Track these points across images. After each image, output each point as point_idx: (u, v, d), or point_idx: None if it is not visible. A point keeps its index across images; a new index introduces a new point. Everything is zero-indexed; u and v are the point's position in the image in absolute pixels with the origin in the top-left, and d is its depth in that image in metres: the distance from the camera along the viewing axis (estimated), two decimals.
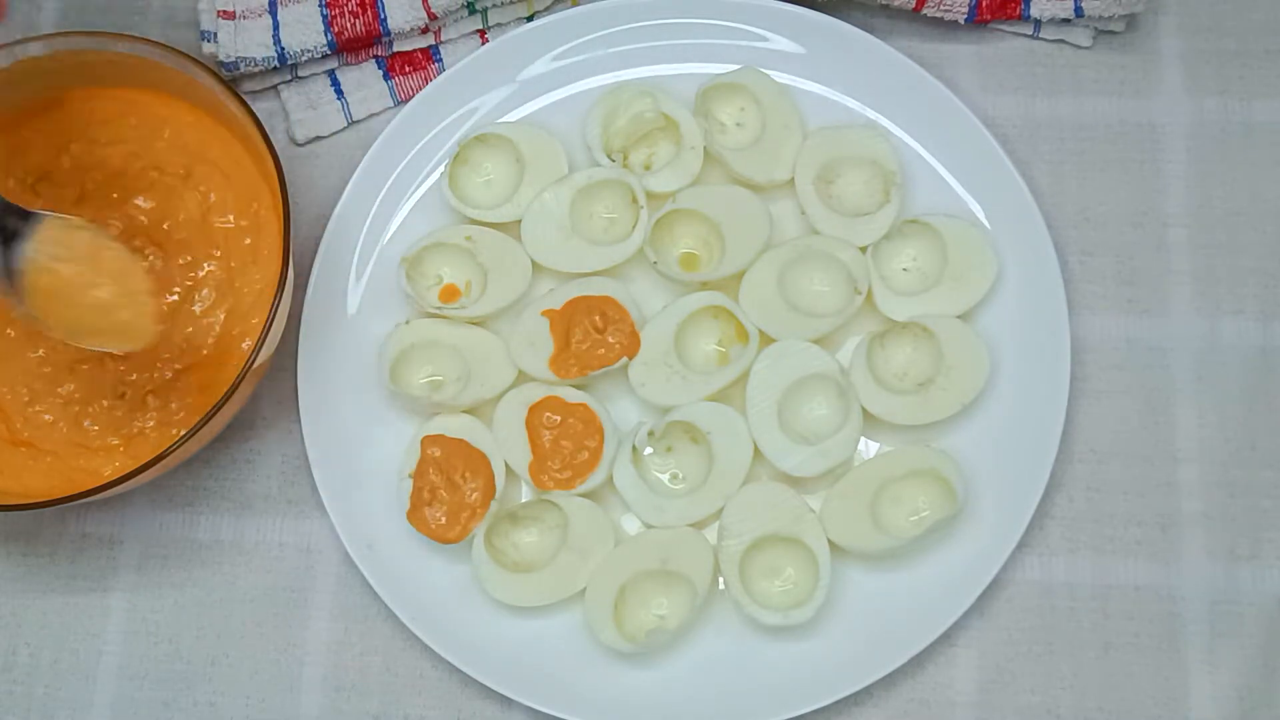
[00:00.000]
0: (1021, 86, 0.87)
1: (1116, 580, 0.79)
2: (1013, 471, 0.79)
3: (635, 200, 0.83)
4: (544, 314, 0.82)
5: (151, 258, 0.81)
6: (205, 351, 0.80)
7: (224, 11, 0.87)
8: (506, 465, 0.80)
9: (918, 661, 0.77)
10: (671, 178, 0.84)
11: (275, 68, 0.87)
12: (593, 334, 0.81)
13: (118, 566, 0.83)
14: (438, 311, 0.82)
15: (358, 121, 0.89)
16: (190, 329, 0.80)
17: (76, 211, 0.81)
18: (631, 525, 0.81)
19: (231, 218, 0.81)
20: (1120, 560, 0.80)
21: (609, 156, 0.84)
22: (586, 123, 0.85)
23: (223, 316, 0.80)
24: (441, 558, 0.80)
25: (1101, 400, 0.82)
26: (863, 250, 0.82)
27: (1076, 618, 0.79)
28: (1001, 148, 0.82)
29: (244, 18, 0.87)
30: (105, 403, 0.79)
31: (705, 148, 0.84)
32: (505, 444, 0.80)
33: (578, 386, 0.81)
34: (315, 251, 0.84)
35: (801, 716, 0.76)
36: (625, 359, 0.80)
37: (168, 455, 0.73)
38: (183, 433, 0.75)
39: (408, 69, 0.89)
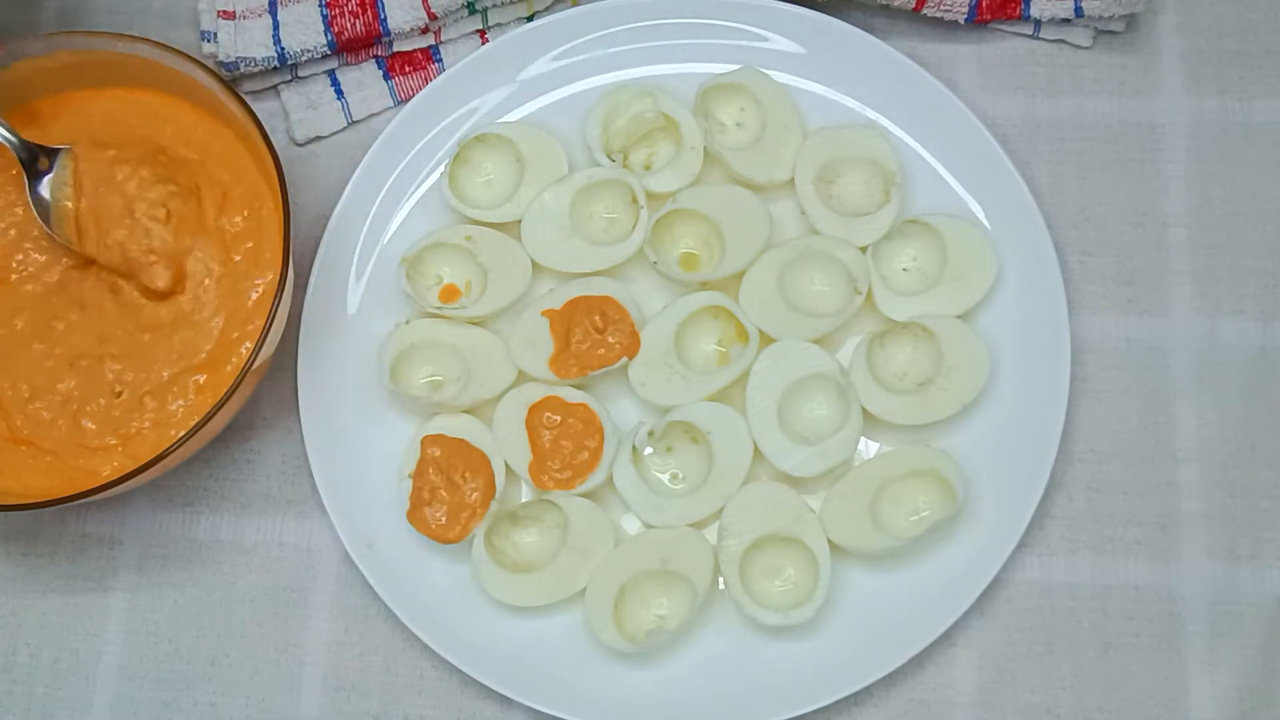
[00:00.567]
0: (1021, 86, 0.87)
1: (1116, 580, 0.79)
2: (1013, 471, 0.79)
3: (635, 200, 0.83)
4: (544, 314, 0.82)
5: (157, 258, 0.81)
6: (205, 351, 0.80)
7: (224, 11, 0.87)
8: (506, 465, 0.80)
9: (918, 661, 0.77)
10: (671, 178, 0.84)
11: (275, 68, 0.87)
12: (593, 334, 0.81)
13: (118, 566, 0.83)
14: (438, 311, 0.82)
15: (358, 121, 0.89)
16: (190, 329, 0.80)
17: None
18: (631, 525, 0.81)
19: (232, 218, 0.81)
20: (1120, 560, 0.80)
21: (609, 156, 0.84)
22: (586, 123, 0.85)
23: (223, 317, 0.80)
24: (441, 558, 0.80)
25: (1101, 400, 0.82)
26: (863, 250, 0.82)
27: (1076, 618, 0.79)
28: (1001, 148, 0.82)
29: (244, 18, 0.87)
30: (103, 401, 0.79)
31: (705, 148, 0.84)
32: (505, 444, 0.80)
33: (578, 386, 0.81)
34: (315, 251, 0.84)
35: (801, 716, 0.76)
36: (625, 359, 0.80)
37: (167, 455, 0.73)
38: (182, 433, 0.75)
39: (408, 69, 0.89)
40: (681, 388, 0.80)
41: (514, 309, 0.83)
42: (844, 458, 0.79)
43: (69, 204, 0.79)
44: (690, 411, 0.80)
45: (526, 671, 0.78)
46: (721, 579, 0.79)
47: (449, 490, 0.79)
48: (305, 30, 0.86)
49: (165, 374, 0.79)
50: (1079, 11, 0.85)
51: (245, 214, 0.81)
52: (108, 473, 0.78)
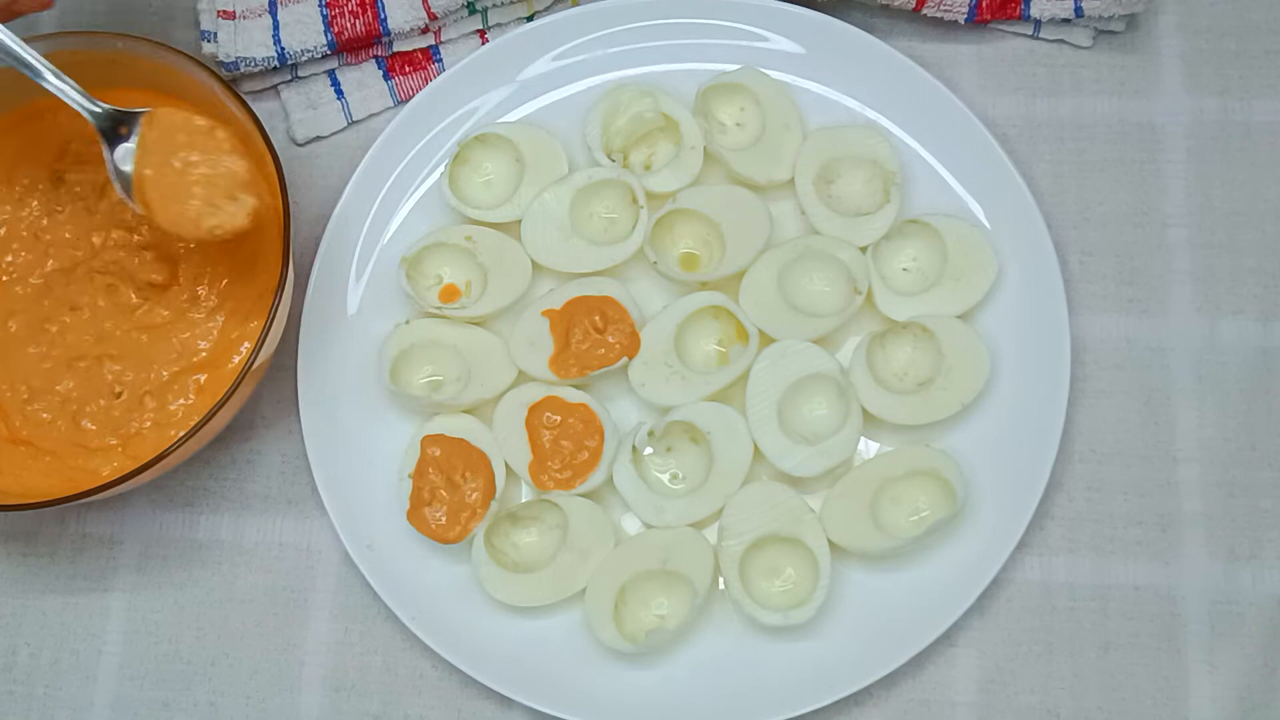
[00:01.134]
0: (1021, 86, 0.87)
1: (1116, 580, 0.79)
2: (1013, 471, 0.79)
3: (635, 200, 0.83)
4: (544, 314, 0.82)
5: (152, 257, 0.81)
6: (205, 351, 0.80)
7: (224, 11, 0.87)
8: (506, 465, 0.80)
9: (918, 661, 0.77)
10: (671, 178, 0.84)
11: (275, 68, 0.87)
12: (593, 334, 0.81)
13: (118, 566, 0.83)
14: (438, 311, 0.82)
15: (358, 121, 0.89)
16: (190, 329, 0.80)
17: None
18: (631, 525, 0.81)
19: None
20: (1120, 560, 0.80)
21: (609, 156, 0.84)
22: (586, 123, 0.85)
23: (223, 317, 0.80)
24: (441, 558, 0.80)
25: (1101, 400, 0.82)
26: (863, 250, 0.82)
27: (1076, 618, 0.79)
28: (1001, 148, 0.82)
29: (244, 18, 0.87)
30: (102, 401, 0.79)
31: (705, 148, 0.84)
32: (505, 444, 0.80)
33: (578, 386, 0.81)
34: (315, 251, 0.84)
35: (801, 716, 0.76)
36: (625, 359, 0.80)
37: (167, 455, 0.74)
38: (182, 433, 0.75)
39: (408, 69, 0.89)
40: (681, 388, 0.80)
41: (514, 309, 0.83)
42: (844, 458, 0.79)
43: (149, 171, 0.75)
44: (690, 411, 0.79)
45: (526, 671, 0.78)
46: (721, 579, 0.79)
47: (449, 490, 0.79)
48: (305, 30, 0.86)
49: (165, 374, 0.80)
50: (1079, 11, 0.85)
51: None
52: (108, 473, 0.78)
